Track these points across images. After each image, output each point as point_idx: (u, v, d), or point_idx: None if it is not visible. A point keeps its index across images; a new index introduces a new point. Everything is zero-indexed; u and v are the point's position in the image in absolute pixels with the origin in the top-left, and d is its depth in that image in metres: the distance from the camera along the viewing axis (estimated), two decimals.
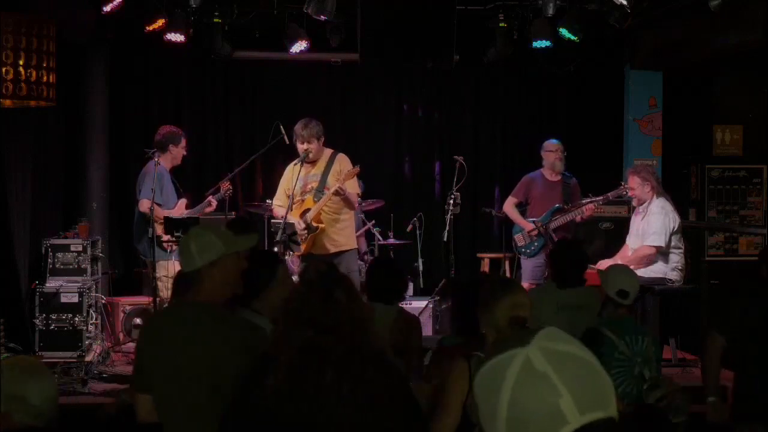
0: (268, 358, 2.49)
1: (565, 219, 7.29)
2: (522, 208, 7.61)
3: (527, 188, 7.55)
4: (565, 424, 1.21)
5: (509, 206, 7.61)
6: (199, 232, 3.11)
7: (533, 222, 7.32)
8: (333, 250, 6.57)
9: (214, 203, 7.07)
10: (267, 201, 7.86)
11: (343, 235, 6.63)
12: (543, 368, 1.23)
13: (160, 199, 6.80)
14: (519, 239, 7.50)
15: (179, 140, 7.10)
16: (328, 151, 6.73)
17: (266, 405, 2.41)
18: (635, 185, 6.96)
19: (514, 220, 7.57)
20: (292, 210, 6.51)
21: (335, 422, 2.36)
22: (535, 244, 7.36)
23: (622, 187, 7.21)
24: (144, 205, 6.89)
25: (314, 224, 6.49)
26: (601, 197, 7.30)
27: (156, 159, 6.80)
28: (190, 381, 2.91)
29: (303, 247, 6.55)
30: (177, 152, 7.10)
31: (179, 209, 7.02)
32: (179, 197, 7.17)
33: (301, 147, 6.58)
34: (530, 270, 7.31)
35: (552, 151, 7.51)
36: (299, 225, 6.49)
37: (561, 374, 1.23)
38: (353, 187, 6.63)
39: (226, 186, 7.09)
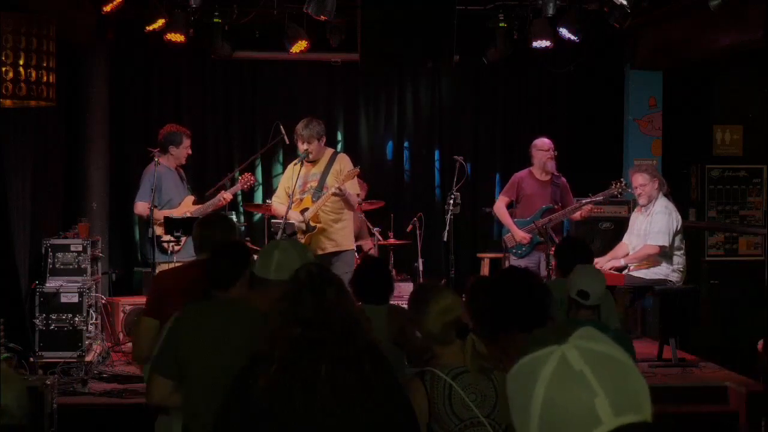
0: (260, 356, 2.52)
1: (557, 219, 7.26)
2: (512, 207, 7.55)
3: (518, 187, 7.49)
4: (599, 424, 1.19)
5: (501, 206, 7.53)
6: (288, 246, 3.07)
7: (532, 223, 7.30)
8: (331, 249, 6.56)
9: (228, 197, 7.04)
10: (267, 201, 7.86)
11: (342, 234, 6.63)
12: (579, 367, 1.21)
13: (156, 200, 6.80)
14: (509, 240, 7.45)
15: (180, 140, 7.04)
16: (329, 151, 6.74)
17: (261, 401, 2.43)
18: (645, 182, 6.92)
19: (503, 222, 7.51)
20: (291, 209, 6.51)
21: (330, 413, 2.38)
22: (525, 245, 7.33)
23: (613, 186, 7.16)
24: (138, 207, 6.93)
25: (312, 224, 6.49)
26: (599, 196, 7.28)
27: (156, 160, 6.79)
28: (224, 379, 2.90)
29: None
30: (178, 153, 7.04)
31: (185, 207, 6.98)
32: (189, 194, 7.15)
33: (301, 147, 6.58)
34: None
35: (544, 150, 7.42)
36: (298, 220, 6.48)
37: (597, 374, 1.21)
38: (353, 188, 6.63)
39: (246, 177, 7.11)
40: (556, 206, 7.32)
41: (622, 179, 7.28)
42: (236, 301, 3.09)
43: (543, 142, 7.50)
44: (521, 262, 7.31)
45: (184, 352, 3.01)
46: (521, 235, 7.31)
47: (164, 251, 6.70)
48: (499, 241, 8.78)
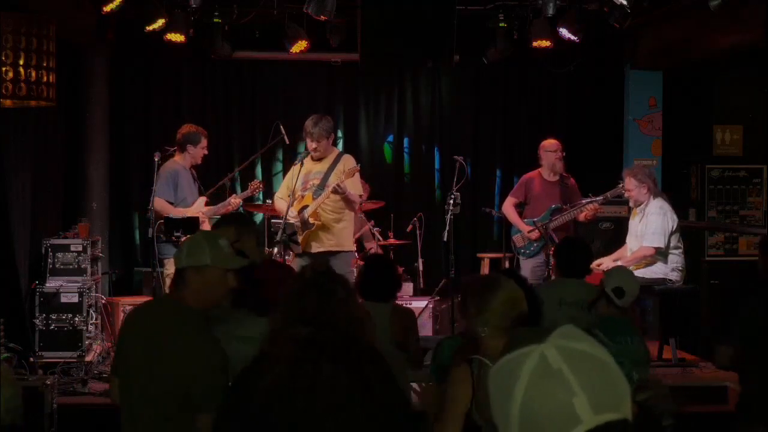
0: (264, 355, 2.51)
1: (564, 219, 7.28)
2: (520, 207, 7.58)
3: (526, 188, 7.52)
4: (578, 423, 1.20)
5: (509, 206, 7.58)
6: (197, 236, 3.16)
7: (533, 222, 7.30)
8: (329, 247, 6.54)
9: (236, 202, 7.04)
10: (267, 201, 7.86)
11: (341, 235, 6.61)
12: (558, 366, 1.22)
13: (172, 197, 6.81)
14: (518, 240, 7.48)
15: (198, 140, 7.04)
16: (335, 151, 6.76)
17: (265, 399, 2.42)
18: (632, 187, 6.94)
19: (511, 221, 7.54)
20: (293, 206, 6.50)
21: (332, 414, 2.38)
22: (535, 244, 7.34)
23: (621, 186, 7.19)
24: (157, 203, 6.95)
25: (311, 221, 6.47)
26: (601, 197, 7.29)
27: (157, 160, 6.81)
28: (152, 376, 2.98)
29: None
30: (196, 152, 7.04)
31: (197, 207, 6.98)
32: (201, 195, 7.16)
33: (309, 145, 6.58)
34: (530, 270, 7.29)
35: (552, 151, 7.45)
36: (296, 219, 6.47)
37: (576, 373, 1.21)
38: (355, 188, 6.61)
39: (255, 184, 7.14)
40: (564, 206, 7.33)
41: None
42: (170, 300, 3.13)
43: (551, 143, 7.51)
44: (530, 262, 7.34)
45: (125, 351, 3.07)
46: (528, 228, 7.31)
47: (176, 246, 6.70)
48: (499, 241, 8.79)
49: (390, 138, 9.41)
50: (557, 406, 1.21)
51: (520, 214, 7.52)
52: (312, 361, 2.43)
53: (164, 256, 6.63)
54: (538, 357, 1.24)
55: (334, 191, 6.37)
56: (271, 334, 2.57)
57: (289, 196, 6.58)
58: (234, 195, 7.10)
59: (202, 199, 7.05)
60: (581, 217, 7.30)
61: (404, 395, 2.67)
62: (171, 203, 6.78)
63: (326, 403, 2.39)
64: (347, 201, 6.53)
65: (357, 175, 6.67)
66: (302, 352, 2.45)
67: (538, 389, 1.22)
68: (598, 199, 7.29)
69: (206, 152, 7.15)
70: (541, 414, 1.21)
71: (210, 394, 2.83)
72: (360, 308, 2.65)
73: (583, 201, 7.30)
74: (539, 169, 7.56)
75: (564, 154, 7.49)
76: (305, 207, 6.52)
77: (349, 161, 6.66)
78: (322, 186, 6.54)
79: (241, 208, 8.68)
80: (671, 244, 6.86)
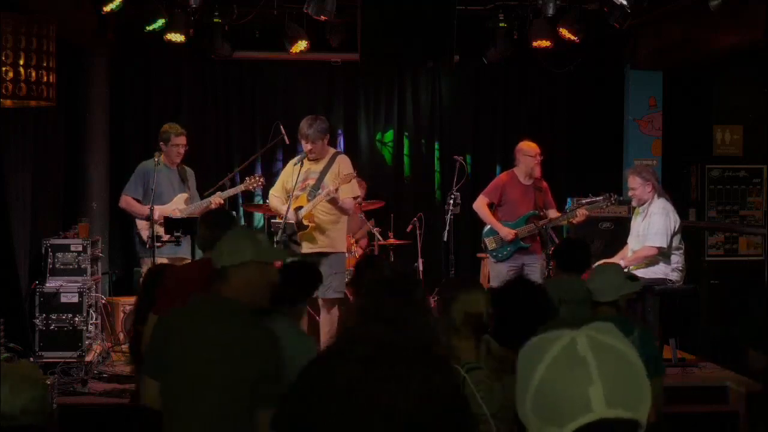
0: (335, 352, 2.48)
1: (554, 223, 7.19)
2: (490, 208, 7.37)
3: (502, 191, 7.33)
4: (588, 411, 1.22)
5: (483, 206, 7.37)
6: (236, 233, 3.10)
7: (533, 224, 7.25)
8: (321, 247, 6.53)
9: (220, 201, 7.01)
10: (266, 201, 7.85)
11: (334, 237, 6.59)
12: (584, 353, 1.25)
13: (139, 194, 6.87)
14: (490, 242, 7.31)
15: (168, 137, 6.97)
16: (331, 151, 6.74)
17: (334, 397, 2.39)
18: (636, 185, 6.93)
19: (487, 222, 7.34)
20: (290, 206, 6.51)
21: (401, 417, 2.35)
22: (508, 248, 7.20)
23: (603, 198, 7.11)
24: (120, 201, 7.07)
25: (305, 222, 6.47)
26: (584, 201, 7.23)
27: (156, 160, 6.82)
28: (207, 375, 2.92)
29: None
30: (169, 150, 6.98)
31: (174, 204, 6.97)
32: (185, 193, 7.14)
33: (305, 146, 6.58)
34: (504, 273, 7.02)
35: (531, 156, 7.28)
36: (293, 217, 6.48)
37: (600, 364, 1.24)
38: (349, 192, 6.61)
39: (254, 179, 7.11)
40: (541, 212, 7.24)
41: (614, 194, 7.17)
42: (212, 298, 3.07)
43: (530, 148, 7.34)
44: (502, 266, 7.18)
45: (170, 353, 3.00)
46: (506, 231, 7.18)
47: (144, 244, 6.77)
48: None
49: (387, 138, 9.40)
50: (573, 391, 1.23)
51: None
52: (387, 362, 2.39)
53: (142, 257, 6.67)
54: (569, 341, 1.27)
55: (328, 199, 6.37)
56: (346, 331, 2.55)
57: (288, 197, 6.57)
58: (220, 192, 7.03)
59: (181, 196, 7.02)
60: (564, 221, 7.27)
61: (468, 403, 2.64)
62: (138, 200, 6.78)
63: (397, 405, 2.35)
64: (339, 208, 6.52)
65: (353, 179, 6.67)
66: (378, 353, 2.41)
67: (559, 371, 1.25)
68: (582, 201, 7.26)
69: (181, 150, 7.05)
70: (556, 394, 1.24)
71: (269, 389, 2.79)
72: (434, 311, 2.64)
73: (584, 201, 7.28)
74: (513, 170, 7.40)
75: (542, 158, 7.37)
76: (300, 207, 6.52)
77: (344, 163, 6.64)
78: (317, 187, 6.54)
79: (241, 209, 8.72)
80: (673, 245, 6.86)
